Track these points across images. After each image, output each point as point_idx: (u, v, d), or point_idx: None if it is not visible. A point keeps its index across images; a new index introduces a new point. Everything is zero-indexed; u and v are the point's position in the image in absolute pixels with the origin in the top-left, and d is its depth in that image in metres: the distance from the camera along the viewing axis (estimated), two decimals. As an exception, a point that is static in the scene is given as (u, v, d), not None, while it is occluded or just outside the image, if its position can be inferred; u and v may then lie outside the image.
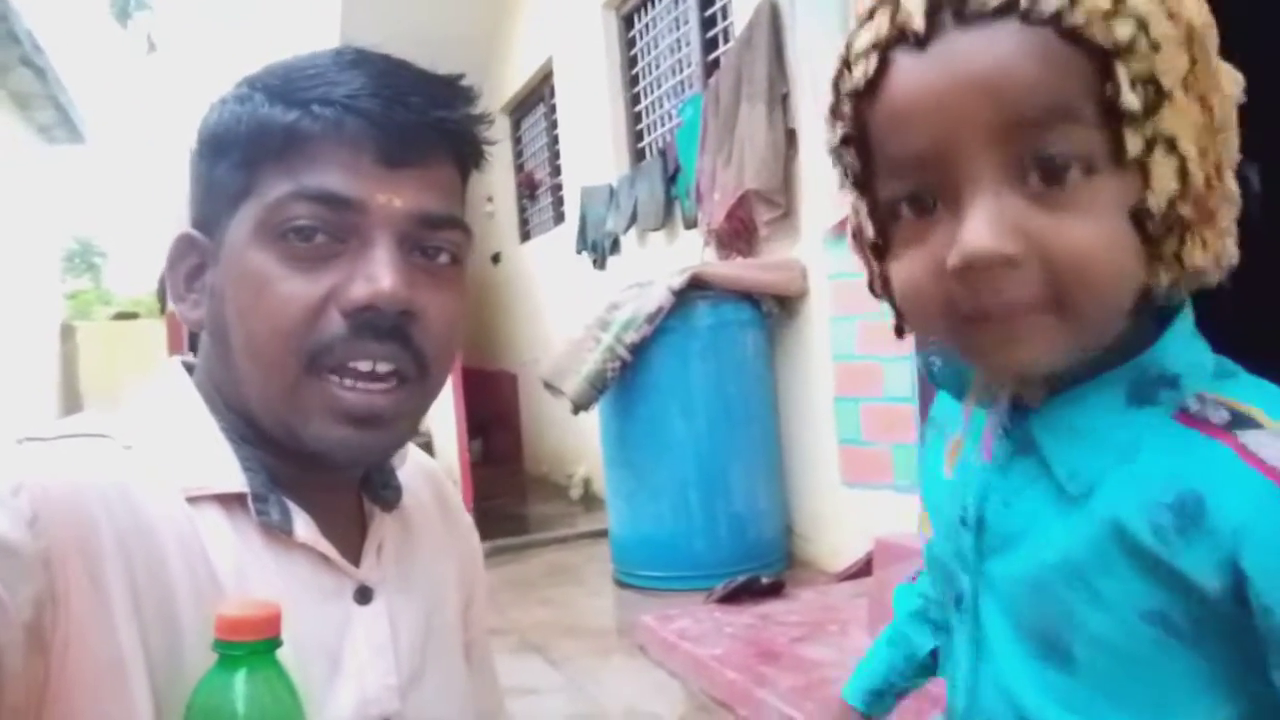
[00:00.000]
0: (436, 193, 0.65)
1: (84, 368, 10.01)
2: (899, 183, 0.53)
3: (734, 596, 3.13)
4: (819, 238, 3.43)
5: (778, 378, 3.79)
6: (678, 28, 4.72)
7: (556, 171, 6.44)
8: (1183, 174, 0.49)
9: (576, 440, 5.64)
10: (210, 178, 0.66)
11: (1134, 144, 0.48)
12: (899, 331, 0.60)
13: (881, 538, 2.97)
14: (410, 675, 0.70)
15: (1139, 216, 0.49)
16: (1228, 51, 0.52)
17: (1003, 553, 0.58)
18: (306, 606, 0.63)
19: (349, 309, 0.61)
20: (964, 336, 0.52)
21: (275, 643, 0.53)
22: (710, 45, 4.41)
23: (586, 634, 3.30)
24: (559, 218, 6.48)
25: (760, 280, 3.61)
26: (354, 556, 0.69)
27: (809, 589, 3.24)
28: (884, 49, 0.51)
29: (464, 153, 0.68)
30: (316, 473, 0.67)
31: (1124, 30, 0.47)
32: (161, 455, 0.62)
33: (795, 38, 3.44)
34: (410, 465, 0.77)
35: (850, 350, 3.32)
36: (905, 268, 0.53)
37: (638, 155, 5.25)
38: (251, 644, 0.52)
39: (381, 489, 0.73)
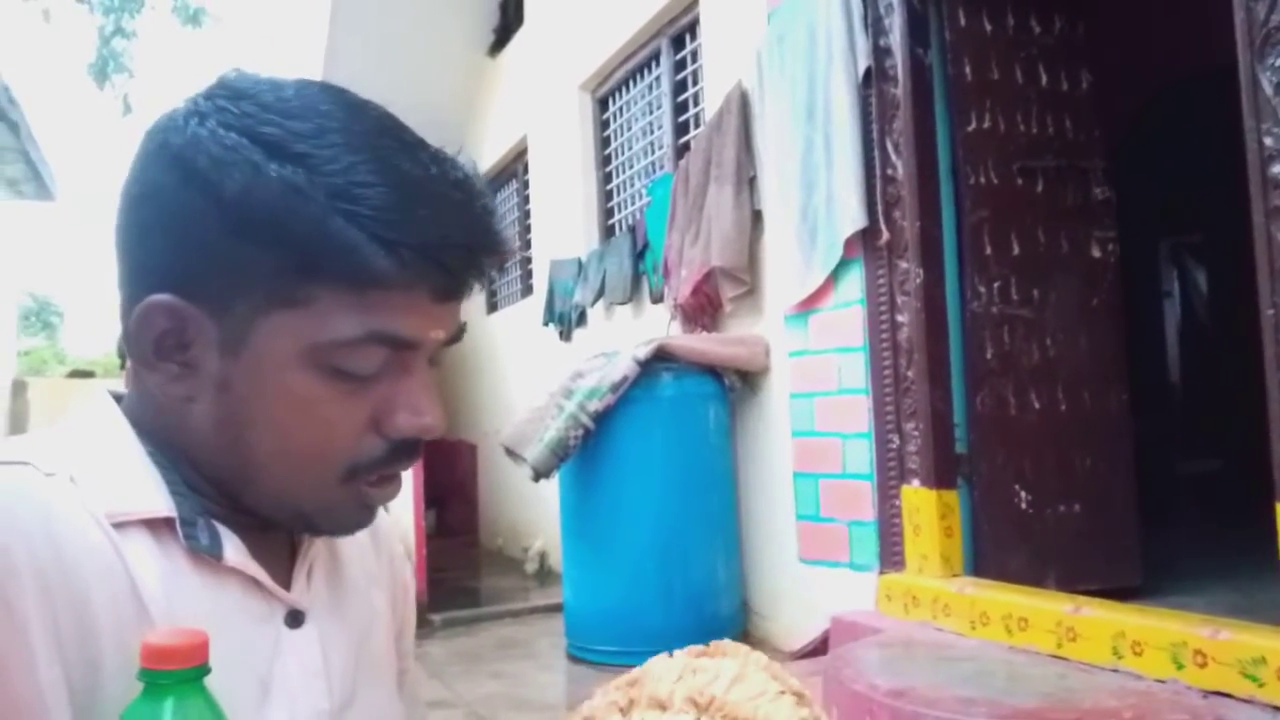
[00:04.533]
0: (459, 311, 0.68)
1: (34, 425, 9.78)
2: None
3: (688, 673, 3.08)
4: (781, 315, 3.50)
5: (738, 451, 3.80)
6: (651, 111, 4.86)
7: (526, 245, 6.51)
8: None
9: (534, 514, 5.58)
10: (226, 251, 0.60)
11: None
12: None
13: (838, 616, 2.96)
14: (342, 701, 0.69)
15: None
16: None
17: None
18: (236, 631, 0.62)
19: (395, 438, 0.65)
20: None
21: (203, 670, 0.53)
22: (682, 129, 4.54)
23: (536, 708, 3.22)
24: (527, 290, 6.53)
25: (723, 354, 3.65)
26: (284, 580, 0.68)
27: (764, 668, 3.20)
28: None
29: None
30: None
31: None
32: (86, 481, 0.61)
33: (764, 125, 3.56)
34: None
35: (810, 426, 3.35)
36: None
37: (607, 231, 5.34)
38: (179, 672, 0.51)
39: None
